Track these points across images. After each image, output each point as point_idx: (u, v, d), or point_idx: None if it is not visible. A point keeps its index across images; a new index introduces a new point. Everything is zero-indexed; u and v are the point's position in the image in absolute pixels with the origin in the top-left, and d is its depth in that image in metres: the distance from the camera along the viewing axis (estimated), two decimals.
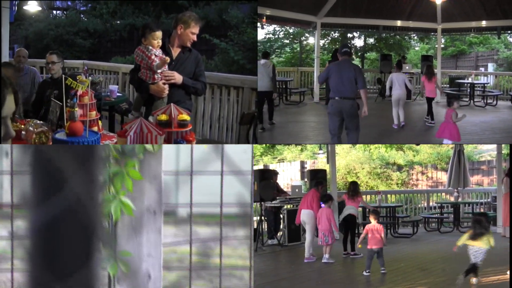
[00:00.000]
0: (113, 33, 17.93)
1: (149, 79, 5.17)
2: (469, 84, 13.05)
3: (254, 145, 9.85)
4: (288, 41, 23.51)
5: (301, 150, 17.64)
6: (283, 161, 17.70)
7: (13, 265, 2.28)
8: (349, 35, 21.97)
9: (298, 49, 23.39)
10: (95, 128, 4.42)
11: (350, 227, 8.21)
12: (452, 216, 10.67)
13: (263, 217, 9.11)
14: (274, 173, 9.91)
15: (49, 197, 1.50)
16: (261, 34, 21.43)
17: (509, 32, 18.19)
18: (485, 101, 12.66)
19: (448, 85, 14.82)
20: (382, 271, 6.58)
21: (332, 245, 7.64)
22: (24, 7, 13.53)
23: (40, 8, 15.05)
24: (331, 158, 10.47)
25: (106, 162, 2.37)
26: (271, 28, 21.88)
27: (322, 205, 7.71)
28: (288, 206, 9.51)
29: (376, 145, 16.04)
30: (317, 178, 9.22)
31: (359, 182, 15.16)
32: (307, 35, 22.37)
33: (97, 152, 1.56)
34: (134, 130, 3.94)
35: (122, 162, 2.42)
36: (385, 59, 14.12)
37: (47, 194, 1.51)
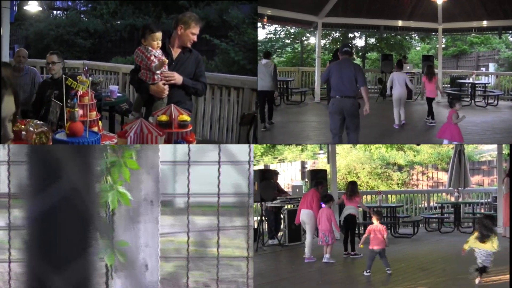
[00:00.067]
0: (113, 33, 17.93)
1: (149, 80, 5.17)
2: (470, 84, 13.04)
3: (254, 145, 9.85)
4: (289, 41, 23.51)
5: (302, 150, 17.65)
6: (284, 161, 17.70)
7: (11, 256, 2.27)
8: (350, 35, 21.95)
9: (299, 49, 23.39)
10: (95, 129, 4.42)
11: (350, 227, 8.20)
12: (453, 216, 10.66)
13: (263, 217, 9.11)
14: (275, 173, 9.90)
15: (47, 187, 1.49)
16: (262, 34, 21.47)
17: (510, 32, 18.19)
18: (486, 101, 12.65)
19: (449, 85, 14.82)
20: (388, 271, 6.57)
21: (332, 245, 7.64)
22: (25, 7, 13.54)
23: (40, 8, 15.05)
24: (331, 158, 10.46)
25: (103, 152, 2.36)
26: (272, 28, 21.90)
27: (323, 205, 7.71)
28: (289, 206, 9.50)
29: (377, 145, 16.04)
30: (317, 178, 9.21)
31: (359, 182, 15.21)
32: (308, 35, 22.37)
33: None
34: (134, 131, 3.94)
35: (120, 152, 2.42)
36: (386, 59, 14.12)
37: (45, 184, 1.50)
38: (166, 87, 5.20)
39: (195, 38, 5.38)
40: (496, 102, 12.63)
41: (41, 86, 6.95)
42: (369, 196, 11.88)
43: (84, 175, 1.55)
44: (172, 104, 4.36)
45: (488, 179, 15.28)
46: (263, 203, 9.05)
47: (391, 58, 14.28)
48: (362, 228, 9.42)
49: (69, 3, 19.72)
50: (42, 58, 8.45)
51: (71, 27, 17.66)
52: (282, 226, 9.39)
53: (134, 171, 2.45)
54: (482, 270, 5.73)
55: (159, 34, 5.15)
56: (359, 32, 21.31)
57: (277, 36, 22.92)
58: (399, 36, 21.26)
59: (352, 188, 8.40)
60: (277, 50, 22.93)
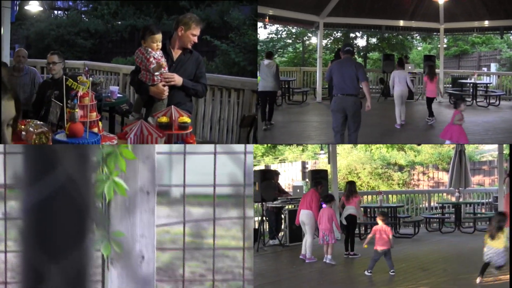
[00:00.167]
0: (114, 34, 17.94)
1: (149, 81, 5.17)
2: (471, 84, 13.03)
3: (255, 145, 9.84)
4: (290, 41, 23.51)
5: (302, 150, 17.64)
6: (285, 162, 17.69)
7: (7, 246, 2.27)
8: (352, 35, 21.94)
9: (301, 49, 23.39)
10: (95, 129, 4.41)
11: (350, 227, 8.20)
12: (454, 216, 10.65)
13: (264, 217, 9.11)
14: (276, 174, 9.90)
15: (42, 178, 1.49)
16: (264, 34, 21.49)
17: (511, 32, 18.16)
18: (487, 101, 12.64)
19: (450, 85, 14.81)
20: (391, 273, 6.55)
21: (333, 245, 7.62)
22: (26, 7, 13.54)
23: (41, 8, 15.04)
24: (332, 159, 10.45)
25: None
26: (273, 28, 21.92)
27: (324, 205, 7.70)
28: (290, 207, 9.50)
29: (377, 145, 16.03)
30: (317, 178, 9.21)
31: (360, 183, 15.21)
32: (309, 35, 22.36)
33: None
34: (135, 132, 3.94)
35: None
36: (388, 59, 14.12)
37: (40, 174, 1.50)
38: (166, 88, 5.20)
39: (195, 39, 5.38)
40: (497, 102, 12.62)
41: (41, 86, 6.95)
42: (370, 196, 11.88)
43: (80, 165, 1.55)
44: (172, 106, 4.35)
45: (489, 179, 15.26)
46: (264, 203, 9.05)
47: (392, 58, 14.29)
48: (363, 228, 9.43)
49: (70, 3, 19.74)
50: (43, 58, 8.45)
51: (72, 27, 17.68)
52: (283, 226, 9.39)
53: (130, 161, 2.43)
54: (485, 267, 5.76)
55: (159, 36, 5.13)
56: (360, 32, 21.31)
57: (279, 36, 22.94)
58: (400, 36, 21.25)
59: (350, 188, 8.39)
60: (279, 50, 22.94)
